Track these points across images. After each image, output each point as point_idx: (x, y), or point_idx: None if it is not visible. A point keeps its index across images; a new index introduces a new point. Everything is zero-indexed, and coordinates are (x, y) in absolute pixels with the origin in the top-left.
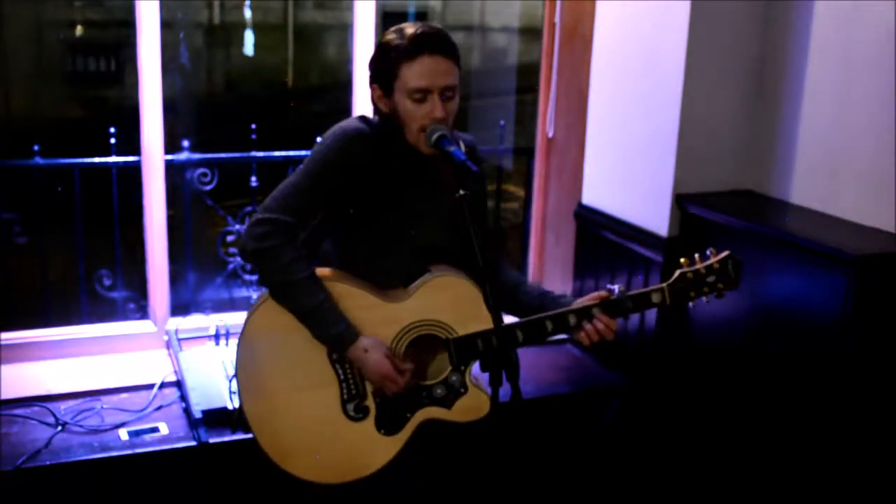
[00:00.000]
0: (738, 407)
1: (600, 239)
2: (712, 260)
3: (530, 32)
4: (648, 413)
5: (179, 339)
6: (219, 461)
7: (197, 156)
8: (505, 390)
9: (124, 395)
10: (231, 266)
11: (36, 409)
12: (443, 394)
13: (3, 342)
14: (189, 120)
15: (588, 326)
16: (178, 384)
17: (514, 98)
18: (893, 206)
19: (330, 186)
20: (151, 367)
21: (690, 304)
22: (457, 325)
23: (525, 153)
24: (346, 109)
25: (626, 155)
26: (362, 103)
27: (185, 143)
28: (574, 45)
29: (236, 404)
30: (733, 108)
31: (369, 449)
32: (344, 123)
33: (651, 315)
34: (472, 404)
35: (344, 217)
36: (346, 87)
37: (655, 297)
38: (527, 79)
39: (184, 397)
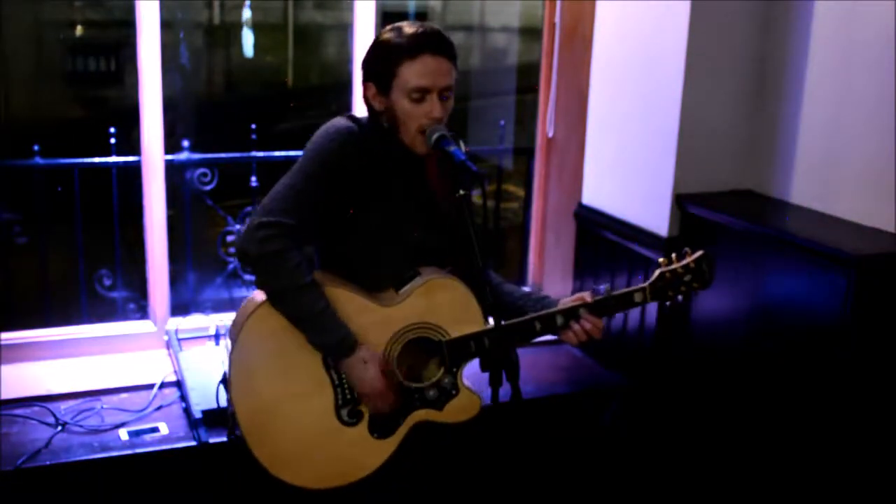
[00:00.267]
0: (738, 407)
1: (600, 239)
2: (688, 259)
3: (530, 32)
4: (648, 413)
5: (179, 339)
6: (219, 461)
7: (197, 156)
8: (505, 390)
9: (124, 395)
10: (231, 266)
11: (36, 409)
12: (435, 396)
13: (3, 342)
14: (189, 120)
15: (576, 326)
16: (178, 384)
17: (514, 98)
18: (893, 206)
19: (328, 185)
20: (151, 367)
21: (668, 303)
22: (449, 326)
23: (525, 153)
24: (346, 109)
25: (625, 155)
26: (362, 103)
27: (185, 143)
28: (574, 45)
29: (230, 410)
30: (733, 108)
31: (362, 453)
32: (334, 122)
33: (651, 315)
34: (464, 405)
35: (339, 218)
36: (346, 88)
37: (637, 297)
38: (527, 79)
39: (184, 397)
